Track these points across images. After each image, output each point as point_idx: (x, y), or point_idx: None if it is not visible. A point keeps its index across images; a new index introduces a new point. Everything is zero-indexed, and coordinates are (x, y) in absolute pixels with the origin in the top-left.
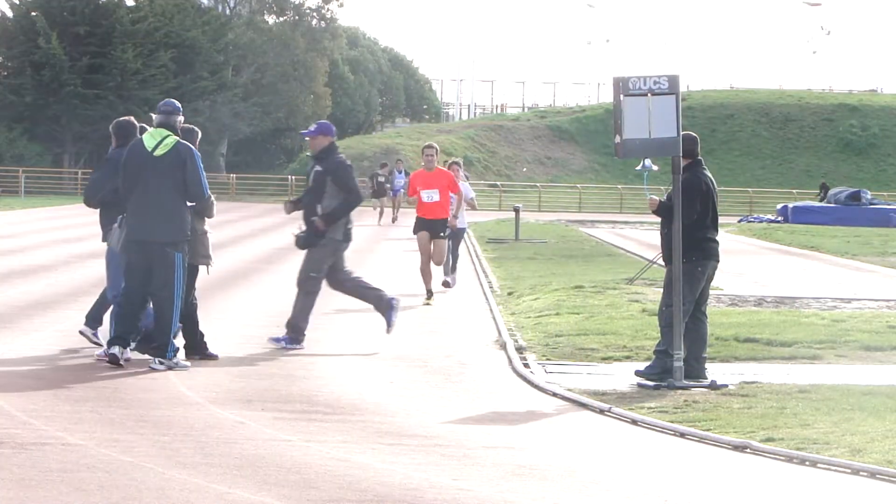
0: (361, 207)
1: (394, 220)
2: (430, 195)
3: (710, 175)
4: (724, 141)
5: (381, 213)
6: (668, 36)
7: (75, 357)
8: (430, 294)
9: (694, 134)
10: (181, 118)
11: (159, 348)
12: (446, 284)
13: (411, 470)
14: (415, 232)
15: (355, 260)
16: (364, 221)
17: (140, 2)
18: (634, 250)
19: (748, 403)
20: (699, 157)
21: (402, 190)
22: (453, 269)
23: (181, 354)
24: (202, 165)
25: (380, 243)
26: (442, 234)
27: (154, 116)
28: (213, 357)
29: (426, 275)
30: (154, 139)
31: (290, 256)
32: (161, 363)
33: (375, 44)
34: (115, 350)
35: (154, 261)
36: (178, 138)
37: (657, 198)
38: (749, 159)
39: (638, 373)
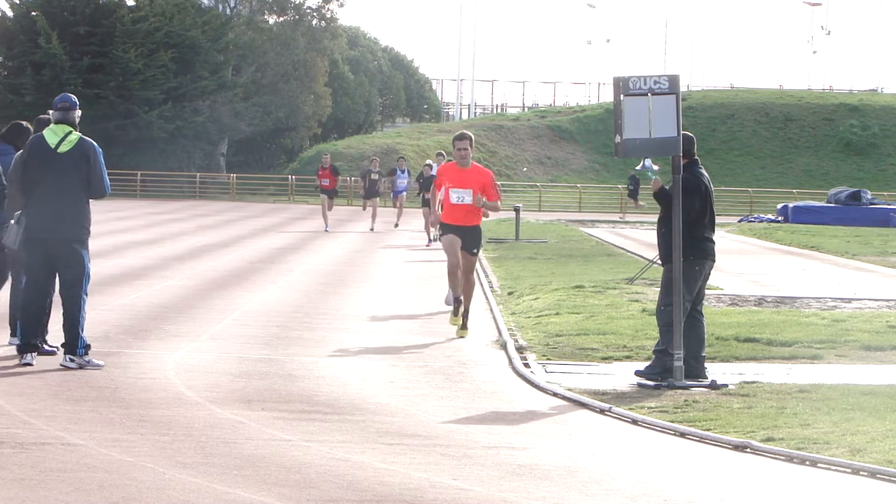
0: (352, 207)
1: (396, 225)
2: (460, 196)
3: (706, 175)
4: (725, 141)
5: (373, 217)
6: (668, 36)
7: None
8: (458, 303)
9: (690, 134)
10: (79, 112)
11: (70, 346)
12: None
13: (411, 470)
14: (440, 237)
15: (348, 273)
16: (356, 227)
17: (140, 2)
18: (634, 250)
19: (748, 403)
20: (696, 157)
21: (404, 192)
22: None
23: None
24: (104, 162)
25: (376, 252)
26: (474, 250)
27: (51, 113)
28: (51, 352)
29: (454, 278)
30: (57, 136)
31: (290, 256)
32: (72, 360)
33: (375, 43)
34: (29, 359)
35: (61, 259)
36: (80, 135)
37: (661, 181)
38: (749, 159)
39: (638, 373)
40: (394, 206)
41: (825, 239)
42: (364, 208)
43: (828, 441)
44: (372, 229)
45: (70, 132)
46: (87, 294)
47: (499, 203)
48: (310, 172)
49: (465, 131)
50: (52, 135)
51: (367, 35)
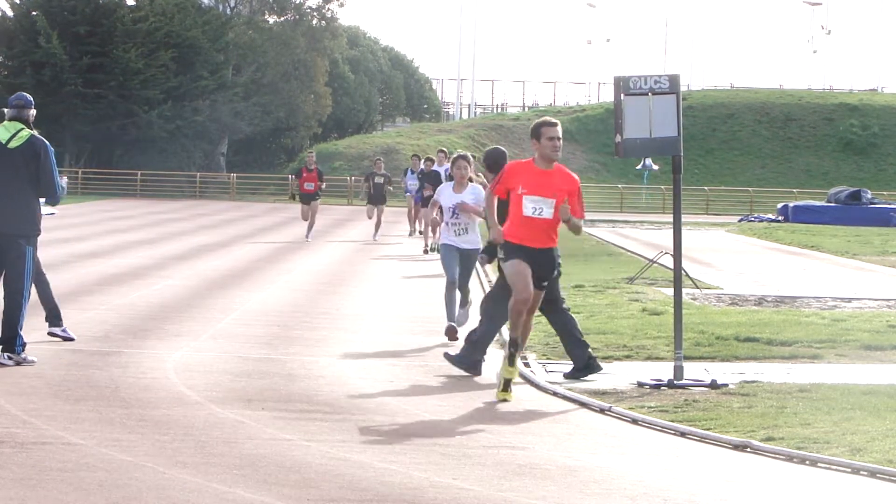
0: (353, 207)
1: (421, 235)
2: (538, 207)
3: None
4: (725, 140)
5: (377, 226)
6: (668, 36)
7: (75, 357)
8: (516, 346)
9: (502, 148)
10: (33, 111)
11: (8, 343)
12: (453, 332)
13: (412, 469)
14: (504, 259)
15: (349, 272)
16: (353, 232)
17: (140, 1)
18: (635, 250)
19: (748, 403)
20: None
21: (414, 193)
22: (463, 302)
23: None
24: (55, 160)
25: (374, 254)
26: (544, 283)
27: (6, 111)
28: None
29: (518, 317)
30: (8, 132)
31: (290, 256)
32: (10, 358)
33: (376, 43)
34: (3, 359)
35: (6, 254)
36: (32, 132)
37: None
38: (749, 159)
39: (447, 355)
40: (413, 214)
41: (825, 238)
42: (369, 216)
43: (828, 440)
44: (374, 238)
45: (21, 129)
46: (28, 292)
47: (582, 222)
48: None
49: (553, 119)
50: (3, 131)
51: (367, 35)
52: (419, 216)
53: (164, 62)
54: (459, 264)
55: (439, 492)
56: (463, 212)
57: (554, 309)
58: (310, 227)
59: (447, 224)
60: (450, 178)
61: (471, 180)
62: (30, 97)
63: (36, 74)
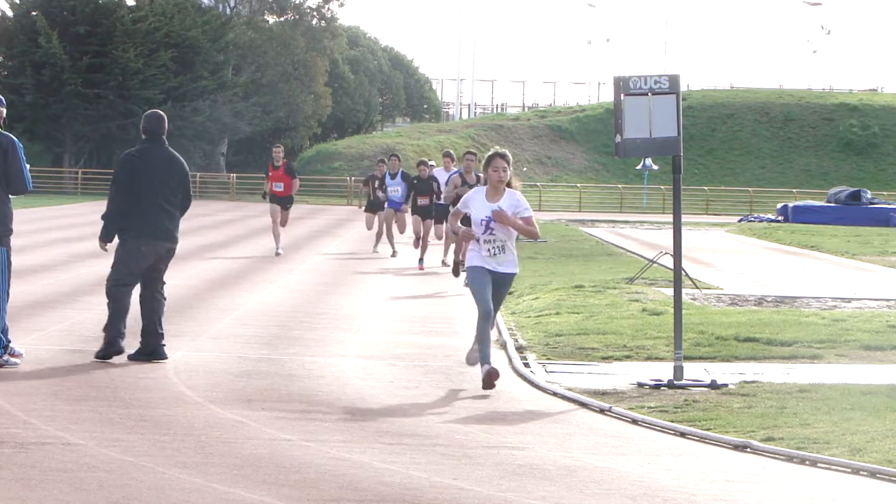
0: (352, 207)
1: (393, 254)
2: None
3: (172, 154)
4: (725, 140)
5: (378, 236)
6: (668, 36)
7: (75, 357)
8: None
9: (160, 112)
10: (3, 110)
11: None
12: (493, 376)
13: (411, 469)
14: None
15: (348, 273)
16: (348, 236)
17: (140, 1)
18: (635, 250)
19: (748, 403)
20: (162, 138)
21: (400, 205)
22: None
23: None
24: (24, 157)
25: (367, 263)
26: None
27: None
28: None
29: None
30: None
31: (290, 256)
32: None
33: (375, 43)
34: None
35: None
36: (0, 130)
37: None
38: (749, 159)
39: (130, 357)
40: (386, 227)
41: (825, 239)
42: (368, 226)
43: (828, 441)
44: (375, 251)
45: None
46: (8, 293)
47: None
48: (311, 172)
49: None
50: None
51: (367, 35)
52: (392, 227)
53: (163, 62)
54: (493, 292)
55: (439, 492)
56: (500, 222)
57: (151, 290)
58: (278, 238)
59: (478, 241)
60: (484, 182)
61: (509, 185)
62: (0, 97)
63: (36, 74)
